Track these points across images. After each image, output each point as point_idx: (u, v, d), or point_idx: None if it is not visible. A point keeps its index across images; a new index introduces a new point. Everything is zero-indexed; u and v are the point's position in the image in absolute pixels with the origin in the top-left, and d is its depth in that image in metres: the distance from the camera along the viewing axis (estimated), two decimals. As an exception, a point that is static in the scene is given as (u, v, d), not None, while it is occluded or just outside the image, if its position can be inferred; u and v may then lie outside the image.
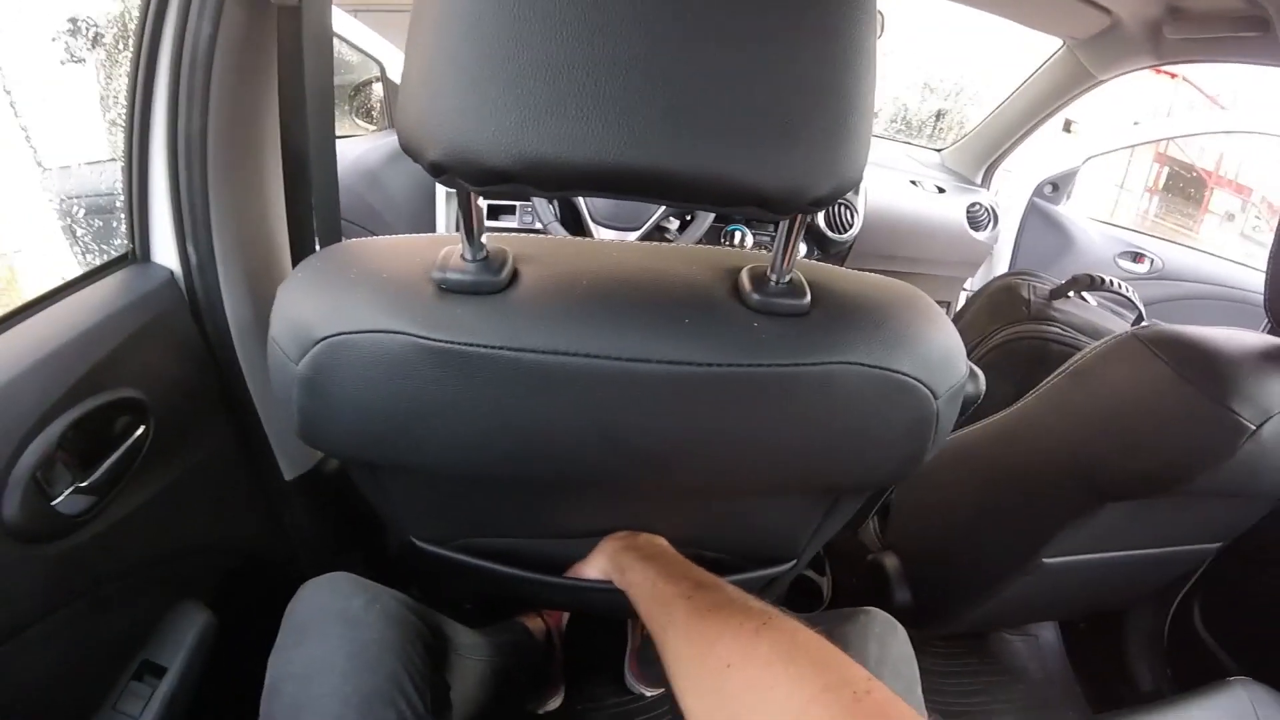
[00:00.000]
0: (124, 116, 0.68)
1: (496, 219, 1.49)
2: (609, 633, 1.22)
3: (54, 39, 1.03)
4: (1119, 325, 1.31)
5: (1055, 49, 1.56)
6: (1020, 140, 1.74)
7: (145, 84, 0.65)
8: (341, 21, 1.45)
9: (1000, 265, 1.89)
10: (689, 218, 1.47)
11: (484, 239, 0.48)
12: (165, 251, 0.71)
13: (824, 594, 1.34)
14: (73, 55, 1.01)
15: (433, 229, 1.51)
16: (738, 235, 1.57)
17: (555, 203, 1.47)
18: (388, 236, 0.56)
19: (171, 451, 0.69)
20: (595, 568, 0.68)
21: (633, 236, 1.42)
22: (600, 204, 1.44)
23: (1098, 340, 0.89)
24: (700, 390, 0.49)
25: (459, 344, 0.46)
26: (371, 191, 1.54)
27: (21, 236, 1.04)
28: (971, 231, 1.76)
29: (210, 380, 0.75)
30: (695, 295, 0.50)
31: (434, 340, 0.46)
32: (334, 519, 0.93)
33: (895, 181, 1.75)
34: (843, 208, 1.60)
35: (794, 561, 0.77)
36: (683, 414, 0.51)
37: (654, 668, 1.08)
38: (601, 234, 1.41)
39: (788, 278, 0.49)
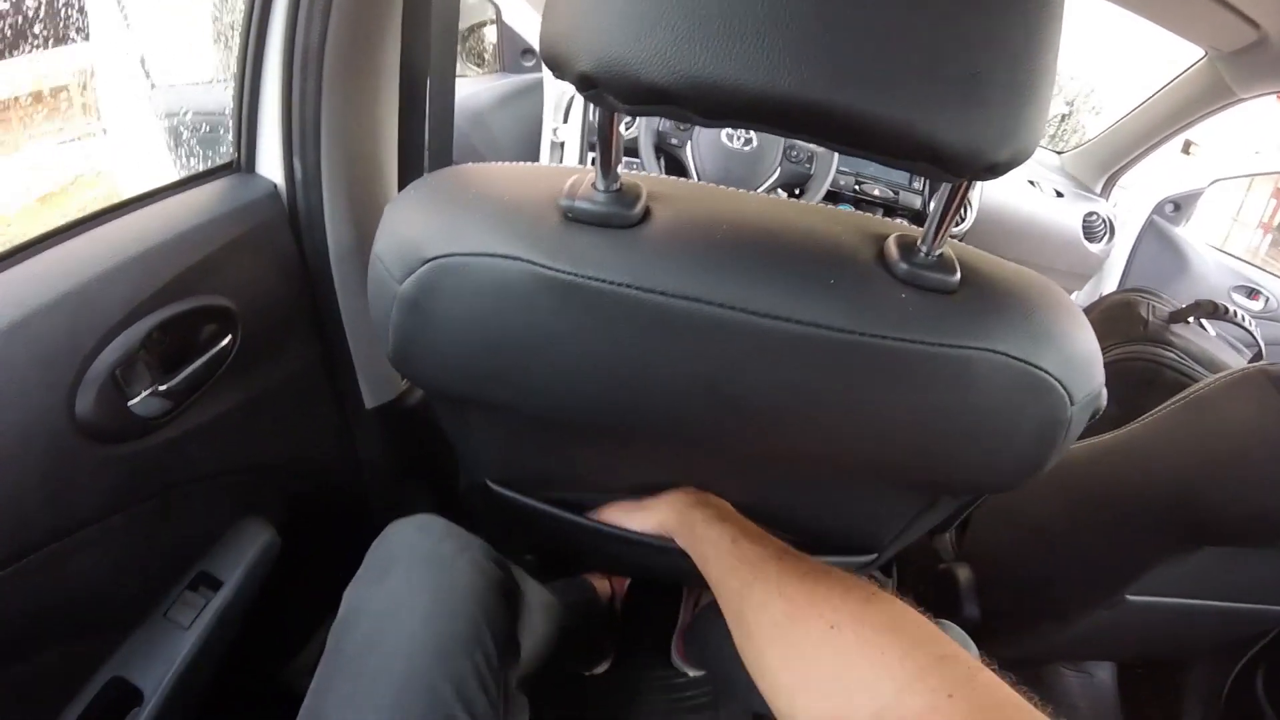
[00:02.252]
0: (240, 25, 0.67)
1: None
2: (661, 605, 1.21)
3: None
4: (1236, 359, 1.22)
5: (1195, 59, 1.44)
6: (1147, 152, 1.61)
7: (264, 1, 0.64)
8: None
9: (1110, 281, 1.78)
10: (799, 191, 1.43)
11: (620, 169, 0.45)
12: (270, 164, 0.71)
13: None
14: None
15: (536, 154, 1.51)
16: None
17: (662, 159, 1.44)
18: (508, 163, 0.53)
19: (255, 365, 0.69)
20: (655, 520, 0.65)
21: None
22: (709, 165, 1.41)
23: (1214, 372, 0.84)
24: (835, 357, 0.45)
25: (584, 277, 0.43)
26: (476, 132, 1.55)
27: (125, 153, 1.08)
28: (1086, 242, 1.65)
29: (303, 298, 0.74)
30: (841, 256, 0.46)
31: (557, 270, 0.44)
32: (409, 454, 0.93)
33: (1013, 179, 1.66)
34: None
35: (874, 556, 0.73)
36: (810, 380, 0.47)
37: (699, 648, 1.07)
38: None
39: (939, 251, 0.45)
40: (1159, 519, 0.83)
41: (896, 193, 1.52)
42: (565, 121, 1.48)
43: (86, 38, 1.02)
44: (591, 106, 1.46)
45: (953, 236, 1.54)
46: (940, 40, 0.34)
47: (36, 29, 0.86)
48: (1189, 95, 1.50)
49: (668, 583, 1.23)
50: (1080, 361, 0.48)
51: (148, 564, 0.66)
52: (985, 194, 1.56)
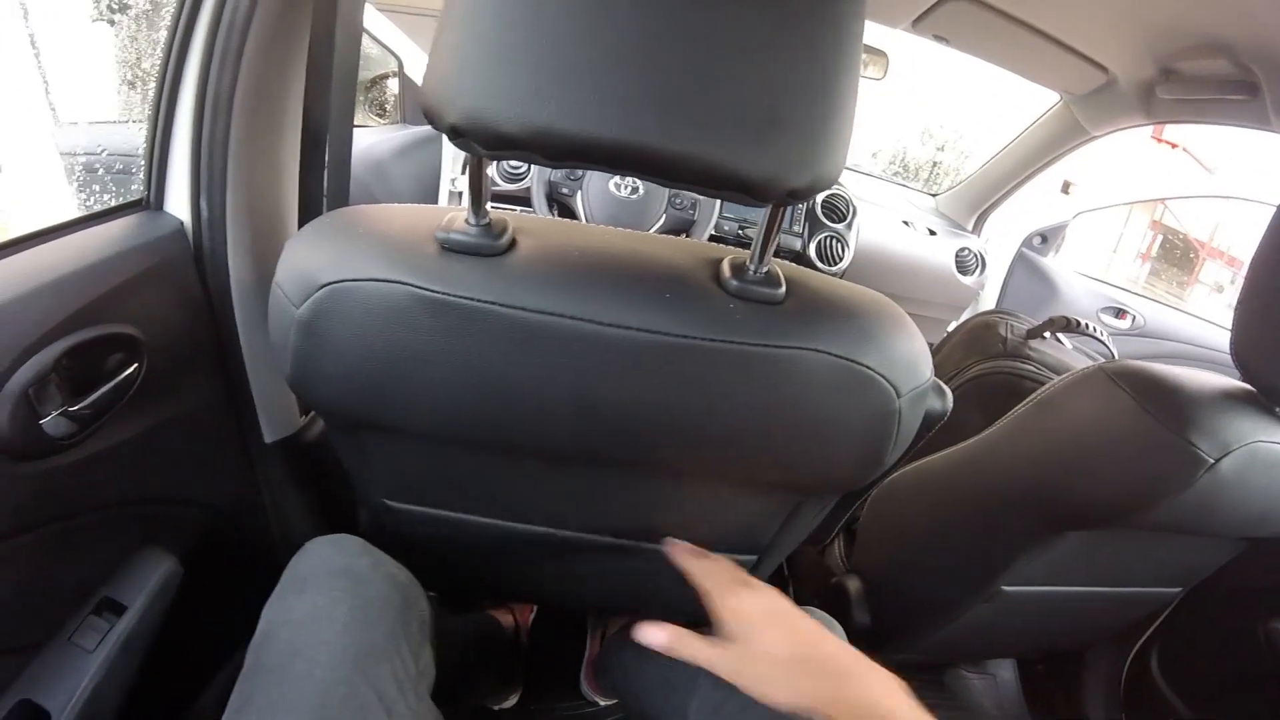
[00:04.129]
0: (158, 68, 0.72)
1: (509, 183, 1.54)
2: (568, 635, 1.23)
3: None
4: None
5: (1052, 104, 1.62)
6: (1013, 191, 1.79)
7: (182, 41, 0.69)
8: (367, 15, 1.53)
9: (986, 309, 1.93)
10: (685, 236, 1.52)
11: (488, 208, 0.52)
12: (178, 203, 0.74)
13: None
14: (102, 15, 1.05)
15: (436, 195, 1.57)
16: None
17: (555, 208, 1.52)
18: (396, 204, 0.59)
19: (160, 395, 0.71)
20: (863, 689, 0.51)
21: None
22: (598, 213, 1.50)
23: None
24: (673, 360, 0.52)
25: (456, 296, 0.50)
26: (377, 182, 1.59)
27: (26, 188, 1.08)
28: (959, 275, 1.81)
29: (206, 332, 0.77)
30: (677, 275, 0.54)
31: (433, 291, 0.50)
32: (308, 487, 0.95)
33: (888, 220, 1.81)
34: (834, 240, 1.66)
35: (756, 557, 0.79)
36: (655, 382, 0.54)
37: (609, 677, 1.08)
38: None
39: (765, 269, 0.53)
40: (1020, 511, 0.90)
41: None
42: (463, 173, 1.55)
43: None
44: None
45: (832, 275, 1.65)
46: (743, 88, 0.42)
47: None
48: (1047, 136, 1.68)
49: (574, 612, 1.25)
50: (903, 359, 0.54)
51: (54, 587, 0.67)
52: (862, 236, 1.70)
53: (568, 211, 1.53)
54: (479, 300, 0.50)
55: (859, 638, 1.13)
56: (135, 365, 0.66)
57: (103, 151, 0.88)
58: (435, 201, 1.59)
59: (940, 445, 1.01)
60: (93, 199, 0.84)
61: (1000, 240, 1.90)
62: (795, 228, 1.67)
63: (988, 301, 1.91)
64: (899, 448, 0.59)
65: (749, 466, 0.61)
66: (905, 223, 1.83)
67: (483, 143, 0.44)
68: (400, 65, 1.65)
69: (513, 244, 0.53)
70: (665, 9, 0.40)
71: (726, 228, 1.62)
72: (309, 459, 0.91)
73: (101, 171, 0.86)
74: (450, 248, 0.51)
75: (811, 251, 1.65)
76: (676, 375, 0.53)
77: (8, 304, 0.57)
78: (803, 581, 1.35)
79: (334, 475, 0.78)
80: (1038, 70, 1.47)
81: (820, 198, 1.67)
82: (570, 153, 0.44)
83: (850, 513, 1.14)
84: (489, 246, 0.52)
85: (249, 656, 0.55)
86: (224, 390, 0.80)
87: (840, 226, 1.68)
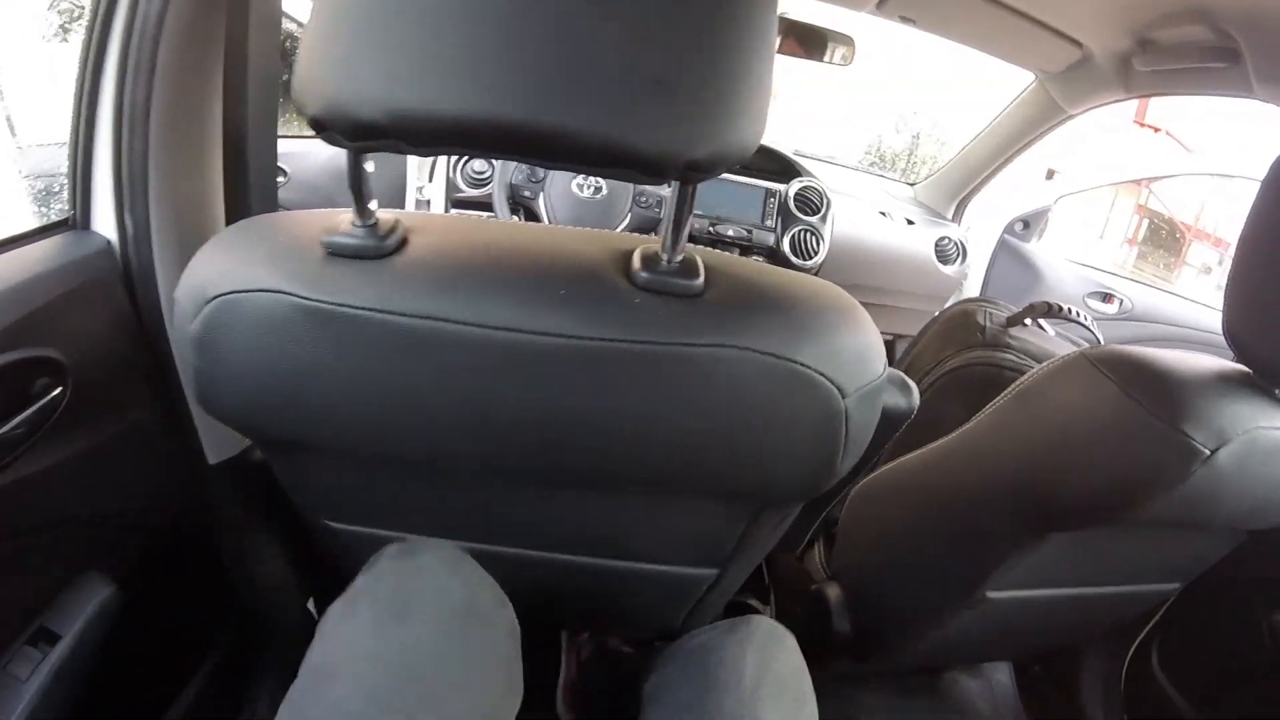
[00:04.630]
0: (75, 85, 0.69)
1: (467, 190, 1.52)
2: (539, 655, 1.18)
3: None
4: None
5: (1028, 84, 1.59)
6: (992, 175, 1.76)
7: (97, 54, 0.66)
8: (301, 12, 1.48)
9: (970, 299, 1.90)
10: (652, 234, 1.47)
11: (373, 206, 0.48)
12: (104, 221, 0.71)
13: None
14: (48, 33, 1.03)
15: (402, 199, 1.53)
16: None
17: (521, 212, 1.48)
18: (299, 211, 0.56)
19: (90, 418, 0.68)
20: None
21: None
22: (561, 215, 1.47)
23: None
24: (574, 365, 0.48)
25: (335, 304, 0.47)
26: (342, 192, 1.53)
27: None
28: (940, 265, 1.78)
29: (139, 353, 0.74)
30: (579, 269, 0.49)
31: (312, 300, 0.47)
32: (258, 507, 0.92)
33: (864, 211, 1.78)
34: (808, 234, 1.62)
35: (717, 570, 0.74)
36: (556, 390, 0.49)
37: (587, 703, 1.06)
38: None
39: (679, 258, 0.48)
40: (1000, 512, 0.85)
41: (750, 232, 1.61)
42: (430, 180, 1.51)
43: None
44: (452, 163, 1.49)
45: (807, 269, 1.62)
46: (628, 51, 0.37)
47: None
48: (1024, 118, 1.65)
49: (542, 631, 1.21)
50: (847, 354, 0.49)
51: None
52: (837, 228, 1.67)
53: (532, 215, 1.50)
54: (359, 308, 0.47)
55: (841, 647, 1.10)
56: (60, 389, 0.64)
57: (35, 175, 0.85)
58: (403, 195, 1.53)
59: (919, 442, 0.98)
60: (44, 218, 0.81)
61: (981, 228, 1.87)
62: (768, 222, 1.63)
63: (971, 291, 1.88)
64: (853, 451, 0.54)
65: (681, 477, 0.56)
66: (882, 213, 1.79)
67: (345, 133, 0.41)
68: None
69: (404, 244, 0.50)
70: None
71: (698, 225, 1.58)
72: (259, 479, 0.87)
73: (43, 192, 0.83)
74: (335, 251, 0.48)
75: (785, 246, 1.61)
76: (581, 380, 0.49)
77: None
78: (783, 588, 1.31)
79: (281, 496, 0.74)
80: (1009, 49, 1.44)
81: (793, 190, 1.64)
82: (435, 137, 0.40)
83: (825, 515, 1.11)
84: (375, 248, 0.48)
85: (312, 672, 0.51)
86: (161, 411, 0.77)
87: (814, 219, 1.64)
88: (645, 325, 0.47)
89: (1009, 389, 0.87)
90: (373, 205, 0.48)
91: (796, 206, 1.64)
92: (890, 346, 1.96)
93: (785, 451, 0.53)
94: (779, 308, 0.49)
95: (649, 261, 0.49)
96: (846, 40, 1.43)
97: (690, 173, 0.41)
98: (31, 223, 0.74)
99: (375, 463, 0.61)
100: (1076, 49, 1.33)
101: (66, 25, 1.01)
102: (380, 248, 0.48)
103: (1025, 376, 0.85)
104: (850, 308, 0.52)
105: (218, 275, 0.49)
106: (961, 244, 1.79)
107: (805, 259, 1.61)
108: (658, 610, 0.84)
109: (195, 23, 0.67)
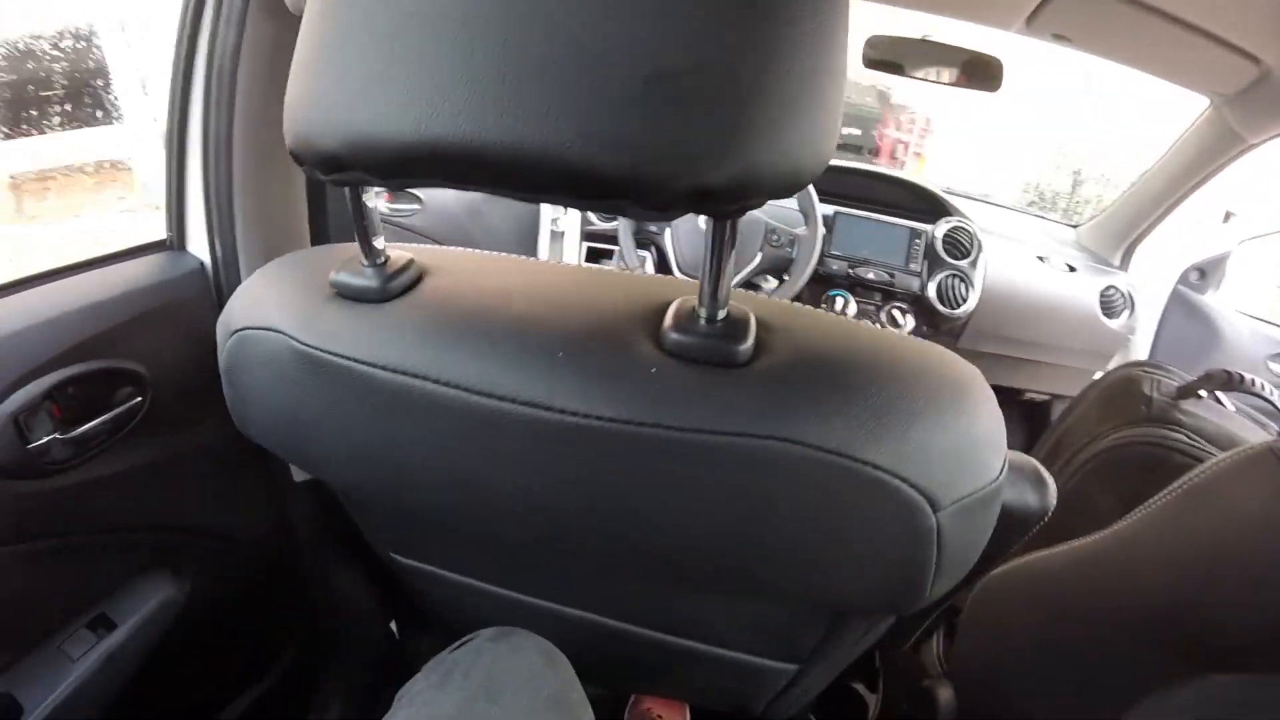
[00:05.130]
0: (167, 116, 0.74)
1: (598, 261, 1.50)
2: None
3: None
4: (1261, 438, 1.05)
5: (1202, 109, 1.36)
6: (1163, 216, 1.51)
7: (184, 86, 0.71)
8: None
9: (1138, 358, 1.63)
10: (785, 277, 1.39)
11: (380, 243, 0.45)
12: (199, 243, 0.76)
13: (870, 713, 1.15)
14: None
15: (534, 248, 1.53)
16: (839, 301, 1.47)
17: (652, 250, 1.44)
18: (344, 244, 0.56)
19: (169, 428, 0.72)
20: None
21: None
22: (688, 252, 1.40)
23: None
24: (568, 445, 0.40)
25: (323, 351, 0.44)
26: (473, 221, 1.59)
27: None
28: (1104, 318, 1.53)
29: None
30: (594, 328, 0.41)
31: (303, 345, 0.44)
32: (338, 527, 0.93)
33: (1019, 255, 1.58)
34: (956, 279, 1.46)
35: (798, 665, 0.65)
36: (548, 473, 0.42)
37: None
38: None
39: (722, 314, 0.39)
40: (1151, 636, 0.68)
41: (893, 275, 1.48)
42: (565, 212, 1.49)
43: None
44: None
45: (955, 319, 1.45)
46: (616, 54, 0.29)
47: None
48: (1198, 149, 1.40)
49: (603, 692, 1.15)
50: (942, 454, 0.37)
51: (47, 598, 0.69)
52: (990, 273, 1.49)
53: (661, 254, 1.44)
54: (346, 357, 0.43)
55: None
56: (139, 399, 0.68)
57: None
58: (535, 244, 1.53)
59: (1063, 530, 0.81)
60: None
61: (1152, 276, 1.61)
62: (913, 265, 1.48)
63: (1139, 348, 1.61)
64: (949, 571, 0.42)
65: (716, 577, 0.46)
66: (1040, 258, 1.59)
67: (314, 165, 0.36)
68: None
69: (414, 287, 0.46)
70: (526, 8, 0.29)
71: (835, 267, 1.46)
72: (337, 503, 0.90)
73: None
74: (339, 291, 0.46)
75: (931, 292, 1.46)
76: (578, 464, 0.40)
77: (12, 336, 0.59)
78: (893, 679, 1.17)
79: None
80: (1177, 69, 1.22)
81: (940, 231, 1.48)
82: (401, 166, 0.34)
83: (944, 606, 0.97)
84: (376, 291, 0.45)
85: None
86: None
87: (964, 264, 1.47)
88: (660, 403, 0.38)
89: (1177, 482, 0.69)
90: (379, 243, 0.45)
91: (945, 249, 1.48)
92: (1044, 409, 1.74)
93: (849, 571, 0.42)
94: (851, 385, 0.38)
95: (684, 319, 0.40)
96: (992, 62, 1.29)
97: (701, 202, 0.31)
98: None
99: (398, 504, 0.58)
100: (1254, 65, 1.11)
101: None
102: (384, 290, 0.45)
103: (1198, 469, 0.67)
104: (960, 387, 0.40)
105: (242, 310, 0.49)
106: (1129, 294, 1.54)
107: (952, 307, 1.46)
108: (734, 694, 0.76)
109: (274, 52, 0.69)
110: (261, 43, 0.68)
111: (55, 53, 1.17)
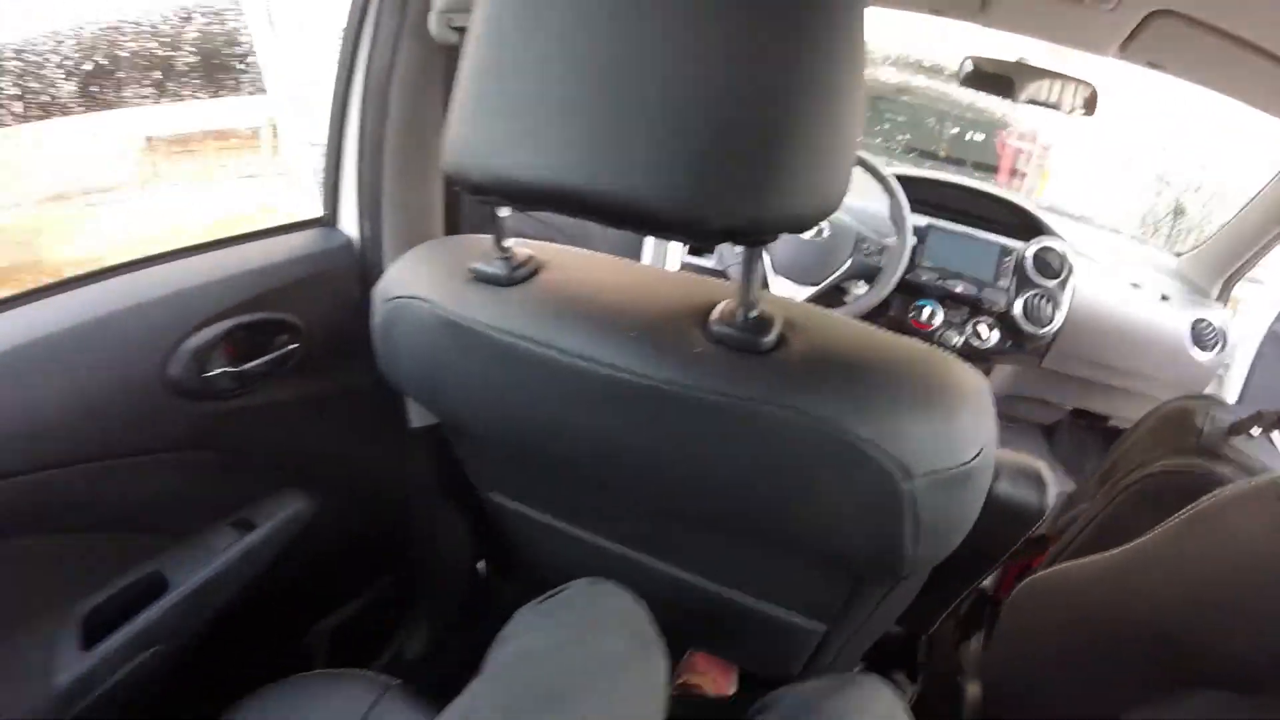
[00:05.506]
0: (329, 116, 0.89)
1: (697, 256, 1.60)
2: None
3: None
4: None
5: None
6: (1265, 250, 1.44)
7: (343, 93, 0.86)
8: None
9: (1229, 396, 1.57)
10: (873, 284, 1.46)
11: (508, 242, 0.59)
12: (349, 222, 0.92)
13: (906, 700, 1.22)
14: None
15: (638, 254, 1.65)
16: (926, 310, 1.52)
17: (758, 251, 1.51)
18: (474, 236, 0.70)
19: (316, 372, 0.88)
20: None
21: (806, 293, 1.43)
22: (781, 258, 1.48)
23: None
24: (633, 400, 0.52)
25: (463, 319, 0.58)
26: (579, 222, 1.69)
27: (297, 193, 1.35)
28: (1194, 350, 1.49)
29: (363, 329, 0.92)
30: (660, 314, 0.54)
31: (451, 314, 0.58)
32: (447, 471, 1.06)
33: (1112, 280, 1.56)
34: (1043, 299, 1.47)
35: (825, 627, 0.74)
36: (618, 420, 0.55)
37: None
38: (779, 285, 1.45)
39: (754, 312, 0.50)
40: (1147, 649, 0.72)
41: (979, 289, 1.50)
42: None
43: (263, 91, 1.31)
44: None
45: (1039, 338, 1.44)
46: (663, 126, 0.40)
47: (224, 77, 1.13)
48: None
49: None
50: (925, 433, 0.46)
51: (203, 499, 0.84)
52: (1078, 295, 1.49)
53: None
54: (479, 324, 0.57)
55: None
56: (294, 345, 0.84)
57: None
58: (639, 245, 1.64)
59: (1101, 549, 0.86)
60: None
61: (1250, 313, 1.54)
62: (1001, 282, 1.50)
63: (1231, 385, 1.55)
64: (927, 539, 0.50)
65: (736, 525, 0.58)
66: (1134, 285, 1.56)
67: (467, 190, 0.50)
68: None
69: (534, 275, 0.59)
70: (600, 60, 0.41)
71: (925, 278, 1.51)
72: (447, 448, 1.03)
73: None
74: (476, 276, 0.60)
75: (1018, 310, 1.47)
76: (643, 416, 0.53)
77: (197, 287, 0.77)
78: (932, 673, 1.22)
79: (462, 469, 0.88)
80: (1275, 101, 1.17)
81: (1031, 251, 1.50)
82: (524, 198, 0.47)
83: (982, 605, 1.01)
84: (505, 278, 0.58)
85: (513, 653, 0.59)
86: (375, 379, 0.95)
87: (1052, 284, 1.48)
88: (705, 375, 0.49)
89: (1188, 507, 0.73)
90: (508, 242, 0.59)
91: (1034, 268, 1.49)
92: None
93: (841, 525, 0.51)
94: (852, 374, 0.48)
95: (726, 315, 0.52)
96: (1086, 86, 1.29)
97: (725, 236, 0.42)
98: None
99: (508, 448, 0.71)
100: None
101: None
102: (511, 277, 0.59)
103: (1207, 496, 0.71)
104: (952, 385, 0.49)
105: (398, 283, 0.64)
106: (1222, 329, 1.49)
107: (1037, 326, 1.47)
108: (772, 652, 0.86)
109: (419, 73, 0.83)
110: (410, 63, 0.82)
111: (208, 27, 1.33)
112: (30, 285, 0.72)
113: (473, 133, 0.47)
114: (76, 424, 0.69)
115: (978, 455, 0.49)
